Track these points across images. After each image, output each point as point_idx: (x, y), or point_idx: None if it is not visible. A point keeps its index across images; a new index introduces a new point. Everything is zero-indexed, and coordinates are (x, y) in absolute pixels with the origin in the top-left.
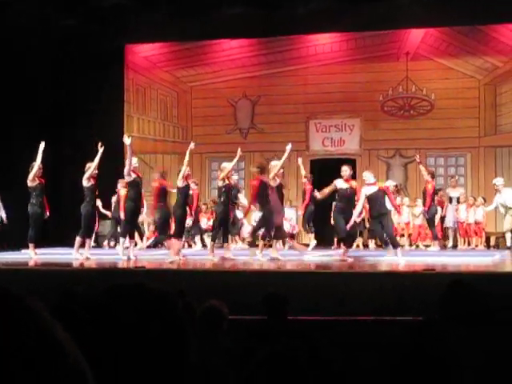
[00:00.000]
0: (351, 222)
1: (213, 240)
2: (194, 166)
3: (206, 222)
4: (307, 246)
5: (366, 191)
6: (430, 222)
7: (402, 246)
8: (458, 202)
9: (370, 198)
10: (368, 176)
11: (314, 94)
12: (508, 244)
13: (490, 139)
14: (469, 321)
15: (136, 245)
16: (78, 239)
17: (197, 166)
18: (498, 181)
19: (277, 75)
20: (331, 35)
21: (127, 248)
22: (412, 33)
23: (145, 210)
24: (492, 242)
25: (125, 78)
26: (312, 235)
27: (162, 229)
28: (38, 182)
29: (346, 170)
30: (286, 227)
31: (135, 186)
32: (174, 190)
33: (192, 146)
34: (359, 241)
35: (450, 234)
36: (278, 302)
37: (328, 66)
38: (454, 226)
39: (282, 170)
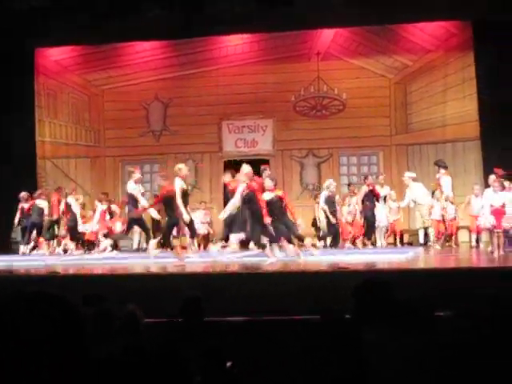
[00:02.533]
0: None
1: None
2: (107, 170)
3: (120, 226)
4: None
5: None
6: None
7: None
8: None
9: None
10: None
11: (226, 96)
12: (421, 241)
13: (402, 137)
14: (381, 319)
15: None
16: None
17: (109, 169)
18: (408, 174)
19: (189, 77)
20: (242, 36)
21: None
22: (322, 33)
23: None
24: (406, 239)
25: (35, 82)
26: None
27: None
28: None
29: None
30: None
31: None
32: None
33: None
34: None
35: (379, 232)
36: (195, 304)
37: (240, 67)
38: (387, 224)
39: None
